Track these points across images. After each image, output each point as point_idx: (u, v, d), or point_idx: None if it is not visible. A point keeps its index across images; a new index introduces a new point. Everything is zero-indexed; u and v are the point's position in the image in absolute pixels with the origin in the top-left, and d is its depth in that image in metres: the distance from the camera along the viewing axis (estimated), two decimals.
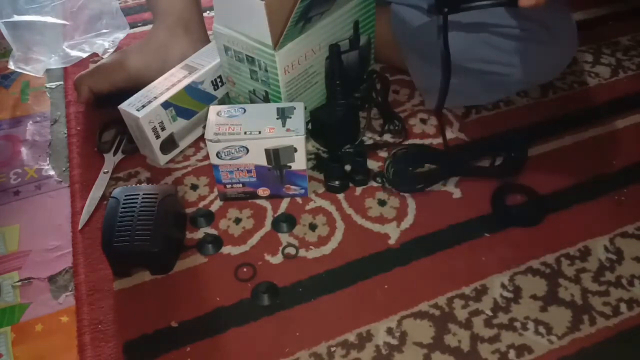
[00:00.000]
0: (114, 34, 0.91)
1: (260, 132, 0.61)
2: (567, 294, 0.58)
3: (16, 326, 0.58)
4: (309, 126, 0.74)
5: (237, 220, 0.66)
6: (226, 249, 0.63)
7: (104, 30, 0.91)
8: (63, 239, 0.66)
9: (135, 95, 0.69)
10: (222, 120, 0.62)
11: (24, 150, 0.78)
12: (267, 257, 0.62)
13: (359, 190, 0.69)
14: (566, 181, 0.68)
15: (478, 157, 0.70)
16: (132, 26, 0.95)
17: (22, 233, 0.67)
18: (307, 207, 0.67)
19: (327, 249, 0.62)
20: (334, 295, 0.58)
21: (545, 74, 0.77)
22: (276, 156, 0.62)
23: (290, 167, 0.64)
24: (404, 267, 0.60)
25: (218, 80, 0.75)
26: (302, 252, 0.62)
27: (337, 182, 0.68)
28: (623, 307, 0.57)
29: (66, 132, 0.79)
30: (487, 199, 0.66)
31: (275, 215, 0.66)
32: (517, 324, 0.56)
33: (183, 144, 0.74)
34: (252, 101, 0.73)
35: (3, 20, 0.84)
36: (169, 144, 0.72)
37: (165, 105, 0.68)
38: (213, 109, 0.64)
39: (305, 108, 0.67)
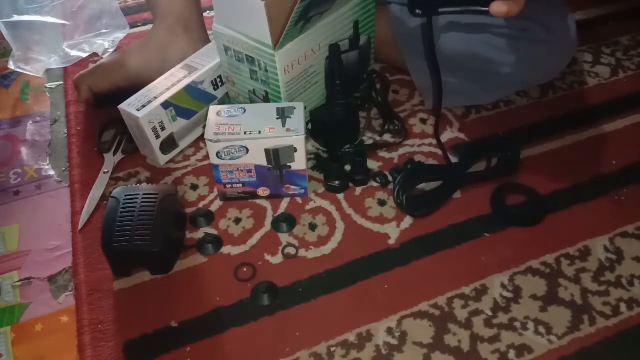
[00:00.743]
0: (114, 34, 0.91)
1: (260, 132, 0.61)
2: (567, 294, 0.58)
3: (16, 326, 0.58)
4: (309, 126, 0.74)
5: (237, 220, 0.66)
6: (226, 249, 0.63)
7: (104, 30, 0.91)
8: (63, 239, 0.66)
9: (135, 95, 0.69)
10: (222, 120, 0.62)
11: (24, 150, 0.78)
12: (267, 257, 0.62)
13: (359, 190, 0.69)
14: (566, 181, 0.68)
15: (475, 163, 0.70)
16: (132, 26, 0.95)
17: (22, 233, 0.67)
18: (307, 207, 0.67)
19: (327, 249, 0.62)
20: (334, 295, 0.58)
21: (545, 74, 0.77)
22: (276, 156, 0.62)
23: (290, 167, 0.64)
24: (404, 267, 0.60)
25: (218, 80, 0.75)
26: (302, 252, 0.62)
27: (337, 182, 0.68)
28: (623, 307, 0.57)
29: (66, 132, 0.79)
30: (487, 199, 0.66)
31: (275, 215, 0.66)
32: (517, 324, 0.56)
33: (183, 144, 0.74)
34: (252, 101, 0.73)
35: (3, 20, 0.84)
36: (169, 144, 0.72)
37: (165, 105, 0.68)
38: (213, 109, 0.64)
39: (305, 108, 0.67)
